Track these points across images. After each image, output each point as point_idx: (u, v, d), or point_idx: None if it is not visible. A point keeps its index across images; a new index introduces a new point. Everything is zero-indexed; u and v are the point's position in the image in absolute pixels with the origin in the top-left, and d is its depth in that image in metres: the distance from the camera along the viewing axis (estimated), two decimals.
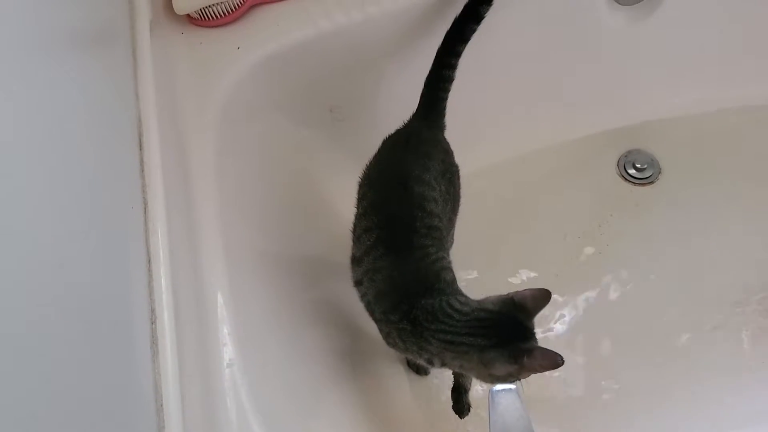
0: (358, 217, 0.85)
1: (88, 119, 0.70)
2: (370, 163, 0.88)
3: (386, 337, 0.80)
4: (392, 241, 0.79)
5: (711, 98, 1.29)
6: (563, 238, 1.19)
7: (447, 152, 0.91)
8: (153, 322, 0.71)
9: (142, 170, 0.81)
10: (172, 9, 0.97)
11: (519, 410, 0.75)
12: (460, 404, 0.91)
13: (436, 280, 0.76)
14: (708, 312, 1.10)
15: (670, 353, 1.07)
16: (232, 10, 0.98)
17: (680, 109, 1.29)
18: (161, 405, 0.67)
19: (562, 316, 1.12)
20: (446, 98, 0.93)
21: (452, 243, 0.96)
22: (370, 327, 0.83)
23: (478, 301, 0.74)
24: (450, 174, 0.89)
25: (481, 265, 1.16)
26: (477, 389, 0.98)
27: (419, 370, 1.04)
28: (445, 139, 0.92)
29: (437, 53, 0.92)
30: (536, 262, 1.17)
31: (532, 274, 1.15)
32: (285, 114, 1.06)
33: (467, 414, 0.92)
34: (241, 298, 0.79)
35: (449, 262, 0.81)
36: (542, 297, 0.70)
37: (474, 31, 0.93)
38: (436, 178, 0.85)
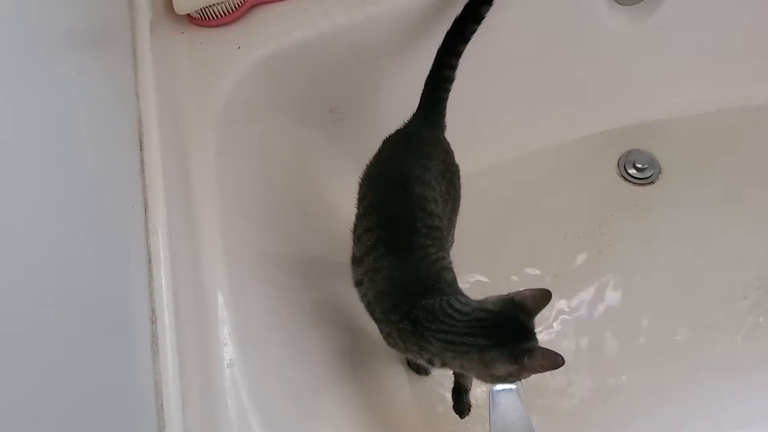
0: (359, 217, 0.85)
1: (88, 119, 0.70)
2: (371, 163, 0.88)
3: (387, 337, 0.80)
4: (393, 241, 0.79)
5: (711, 98, 1.29)
6: (563, 238, 1.19)
7: (447, 152, 0.91)
8: (153, 322, 0.71)
9: (143, 170, 0.81)
10: (173, 9, 0.97)
11: (519, 410, 0.75)
12: (461, 404, 0.91)
13: (436, 280, 0.76)
14: (708, 312, 1.10)
15: (670, 353, 1.07)
16: (232, 9, 0.98)
17: (680, 109, 1.29)
18: (161, 405, 0.67)
19: (562, 316, 1.12)
20: (446, 98, 0.93)
21: (452, 243, 0.96)
22: (370, 327, 0.83)
23: (479, 301, 0.74)
24: (450, 174, 0.89)
25: (481, 265, 1.16)
26: (478, 389, 0.98)
27: (419, 370, 1.04)
28: (445, 139, 0.92)
29: (437, 53, 0.92)
30: (536, 262, 1.17)
31: (532, 274, 1.15)
32: (285, 114, 1.06)
33: (468, 414, 0.92)
34: (242, 298, 0.79)
35: (449, 262, 0.81)
36: (542, 297, 0.70)
37: (474, 31, 0.93)
38: (436, 178, 0.85)
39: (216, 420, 0.69)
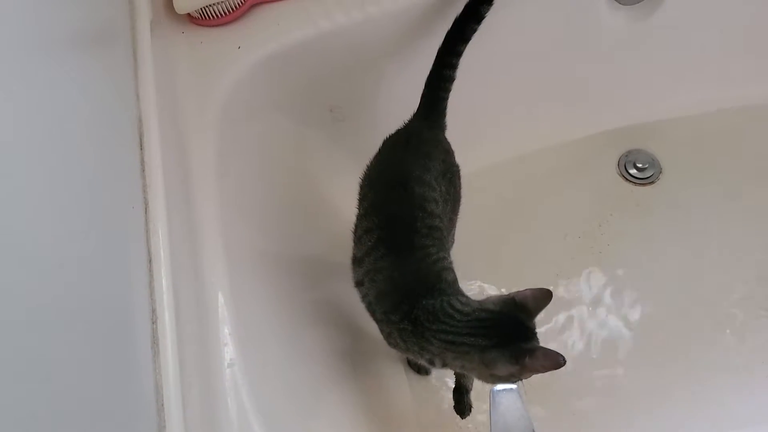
0: (359, 218, 0.85)
1: (88, 119, 0.70)
2: (371, 163, 0.88)
3: (387, 337, 0.80)
4: (393, 241, 0.79)
5: (711, 98, 1.29)
6: (563, 238, 1.19)
7: (448, 152, 0.91)
8: (154, 322, 0.71)
9: (143, 170, 0.81)
10: (173, 8, 0.97)
11: (520, 410, 0.75)
12: (462, 404, 0.91)
13: (437, 280, 0.76)
14: (708, 312, 1.11)
15: (670, 353, 1.07)
16: (232, 9, 0.98)
17: (680, 109, 1.29)
18: (162, 405, 0.67)
19: (562, 316, 1.12)
20: (447, 98, 0.93)
21: (453, 243, 0.96)
22: (371, 327, 0.83)
23: (479, 302, 0.74)
24: (451, 174, 0.89)
25: (481, 264, 1.16)
26: (479, 389, 0.98)
27: (420, 370, 1.04)
28: (445, 139, 0.92)
29: (438, 53, 0.92)
30: (537, 262, 1.17)
31: (532, 274, 1.15)
32: (285, 114, 1.06)
33: (468, 414, 0.92)
34: (242, 298, 0.79)
35: (450, 263, 0.80)
36: (543, 297, 0.70)
37: (475, 30, 0.93)
38: (436, 178, 0.85)
39: (216, 420, 0.69)
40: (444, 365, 0.76)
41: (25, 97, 0.55)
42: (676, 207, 1.21)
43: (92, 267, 0.62)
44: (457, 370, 0.83)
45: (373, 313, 0.81)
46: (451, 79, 0.92)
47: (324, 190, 1.13)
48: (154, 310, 0.72)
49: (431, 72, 0.92)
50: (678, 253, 1.17)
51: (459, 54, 0.92)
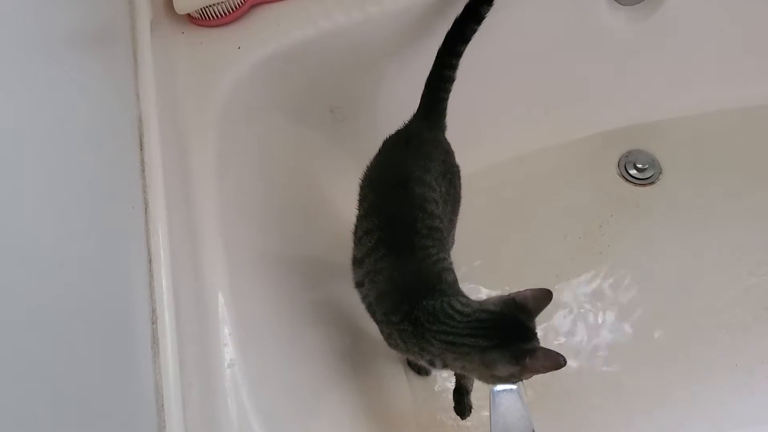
0: (360, 218, 0.85)
1: (88, 119, 0.70)
2: (371, 164, 0.88)
3: (388, 338, 0.80)
4: (393, 242, 0.79)
5: (711, 98, 1.29)
6: (564, 239, 1.19)
7: (448, 153, 0.91)
8: (154, 322, 0.71)
9: (143, 170, 0.81)
10: (173, 9, 0.97)
11: (520, 410, 0.75)
12: (462, 405, 0.91)
13: (437, 281, 0.76)
14: (708, 312, 1.11)
15: (670, 353, 1.07)
16: (232, 9, 0.98)
17: (680, 109, 1.29)
18: (162, 405, 0.67)
19: (563, 316, 1.12)
20: (447, 99, 0.92)
21: (453, 244, 0.95)
22: (371, 327, 0.83)
23: (480, 302, 0.74)
24: (451, 175, 0.89)
25: (481, 265, 1.16)
26: (479, 390, 0.98)
27: (420, 371, 1.04)
28: (446, 139, 0.92)
29: (438, 53, 0.92)
30: (537, 263, 1.17)
31: (532, 275, 1.15)
32: (285, 114, 1.06)
33: (469, 415, 0.92)
34: (242, 299, 0.79)
35: (450, 263, 0.80)
36: (543, 297, 0.70)
37: (475, 31, 0.93)
38: (436, 179, 0.85)
39: (216, 420, 0.69)
40: (444, 366, 0.76)
41: (25, 97, 0.55)
42: (676, 207, 1.21)
43: (92, 267, 0.62)
44: (458, 371, 0.83)
45: (373, 314, 0.81)
46: (451, 80, 0.92)
47: (324, 191, 1.13)
48: (154, 310, 0.72)
49: (431, 72, 0.92)
50: (678, 253, 1.17)
51: (459, 54, 0.92)
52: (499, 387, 0.76)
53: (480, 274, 1.15)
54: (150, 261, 0.75)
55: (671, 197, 1.22)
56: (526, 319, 0.70)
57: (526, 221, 1.22)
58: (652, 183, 1.24)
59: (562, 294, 1.13)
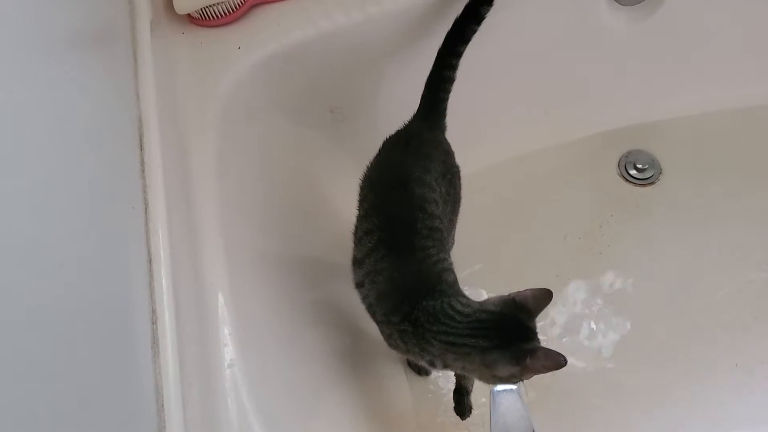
0: (360, 219, 0.85)
1: (88, 119, 0.70)
2: (371, 164, 0.88)
3: (388, 338, 0.80)
4: (393, 242, 0.79)
5: (711, 98, 1.29)
6: (564, 239, 1.19)
7: (448, 153, 0.91)
8: (154, 322, 0.71)
9: (143, 170, 0.81)
10: (173, 9, 0.97)
11: (520, 411, 0.75)
12: (462, 406, 0.91)
13: (437, 281, 0.76)
14: (708, 312, 1.11)
15: (670, 353, 1.07)
16: (232, 9, 0.98)
17: (680, 109, 1.29)
18: (162, 405, 0.67)
19: (563, 316, 1.12)
20: (447, 99, 0.92)
21: (453, 244, 0.95)
22: (371, 328, 0.83)
23: (480, 303, 0.74)
24: (451, 175, 0.89)
25: (481, 265, 1.16)
26: (479, 390, 0.98)
27: (420, 371, 1.04)
28: (446, 139, 0.92)
29: (438, 54, 0.92)
30: (537, 263, 1.17)
31: (532, 275, 1.15)
32: (285, 114, 1.06)
33: (469, 415, 0.92)
34: (242, 299, 0.79)
35: (450, 264, 0.80)
36: (544, 297, 0.70)
37: (475, 31, 0.93)
38: (436, 179, 0.85)
39: (216, 420, 0.69)
40: (445, 366, 0.76)
41: (25, 97, 0.55)
42: (676, 207, 1.21)
43: (92, 267, 0.62)
44: (458, 372, 0.83)
45: (373, 315, 0.81)
46: (451, 80, 0.92)
47: (324, 191, 1.13)
48: (154, 310, 0.72)
49: (431, 73, 0.92)
50: (678, 253, 1.17)
51: (459, 55, 0.92)
52: (500, 387, 0.76)
53: (480, 276, 1.14)
54: (150, 261, 0.75)
55: (671, 197, 1.22)
56: (526, 319, 0.70)
57: (526, 221, 1.22)
58: (652, 183, 1.24)
59: (562, 294, 1.13)
